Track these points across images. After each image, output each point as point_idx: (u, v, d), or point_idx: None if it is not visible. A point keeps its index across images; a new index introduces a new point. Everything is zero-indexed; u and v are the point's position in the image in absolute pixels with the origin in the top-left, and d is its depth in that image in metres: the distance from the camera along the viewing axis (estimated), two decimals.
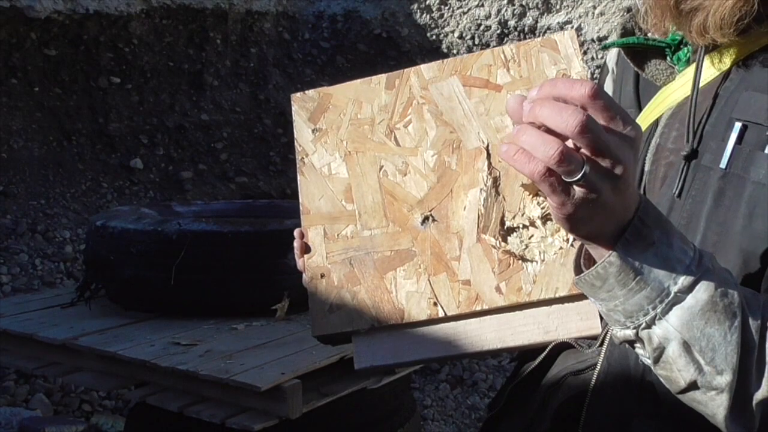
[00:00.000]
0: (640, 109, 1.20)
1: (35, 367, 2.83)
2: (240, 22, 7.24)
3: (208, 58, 7.08)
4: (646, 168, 1.13)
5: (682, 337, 0.85)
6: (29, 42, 6.07)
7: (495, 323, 1.11)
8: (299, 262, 1.23)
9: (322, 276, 1.20)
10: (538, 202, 1.16)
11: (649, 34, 1.16)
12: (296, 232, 1.23)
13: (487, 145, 1.21)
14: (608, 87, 1.28)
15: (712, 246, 0.98)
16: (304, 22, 7.59)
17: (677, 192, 1.06)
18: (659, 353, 0.87)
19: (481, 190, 1.18)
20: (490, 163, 1.19)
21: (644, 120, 1.16)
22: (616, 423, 1.08)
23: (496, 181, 1.18)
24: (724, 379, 0.85)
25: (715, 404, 0.87)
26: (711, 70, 1.07)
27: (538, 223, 1.15)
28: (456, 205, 1.19)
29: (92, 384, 2.98)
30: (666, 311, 0.84)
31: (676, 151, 1.08)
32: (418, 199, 1.20)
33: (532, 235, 1.12)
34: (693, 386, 0.87)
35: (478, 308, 1.12)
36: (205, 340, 2.68)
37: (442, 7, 7.46)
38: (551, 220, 1.15)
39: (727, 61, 1.05)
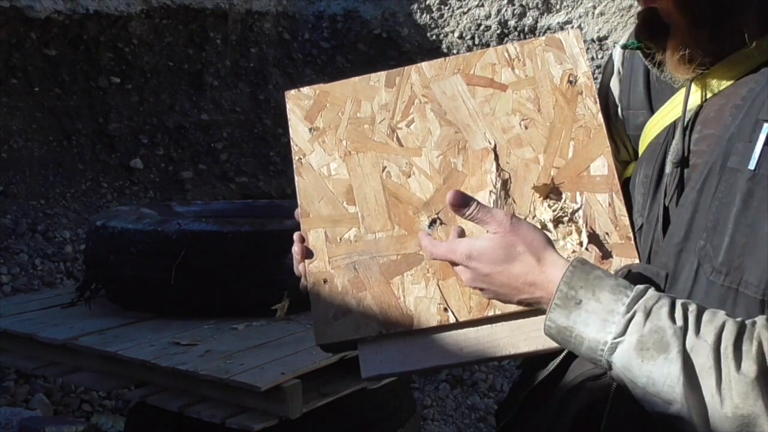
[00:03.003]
0: (651, 110, 1.19)
1: (35, 367, 2.82)
2: (240, 22, 7.23)
3: (208, 58, 7.07)
4: (667, 171, 1.12)
5: (628, 378, 0.93)
6: (29, 42, 6.06)
7: (507, 329, 1.10)
8: (299, 267, 1.20)
9: (325, 281, 1.16)
10: (549, 205, 1.14)
11: None
12: (295, 236, 1.20)
13: (495, 146, 1.19)
14: (614, 87, 1.27)
15: (741, 248, 0.97)
16: (304, 22, 7.58)
17: (670, 200, 1.06)
18: (627, 390, 0.95)
19: (490, 192, 1.16)
20: (498, 165, 1.17)
21: (660, 122, 1.15)
22: (637, 428, 1.07)
23: (505, 184, 1.16)
24: (675, 408, 0.90)
25: (687, 427, 0.91)
26: (722, 80, 1.08)
27: (550, 225, 1.13)
28: None
29: (92, 384, 2.97)
30: (609, 356, 0.94)
31: (698, 154, 1.08)
32: (424, 201, 1.17)
33: None
34: (660, 416, 0.93)
35: (491, 314, 1.10)
36: (205, 340, 2.66)
37: (442, 7, 7.45)
38: (563, 222, 1.14)
39: (733, 73, 1.07)
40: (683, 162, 1.08)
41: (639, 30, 1.12)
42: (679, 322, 0.92)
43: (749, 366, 0.88)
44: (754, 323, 0.92)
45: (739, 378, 0.88)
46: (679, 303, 0.94)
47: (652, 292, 0.96)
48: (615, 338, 0.93)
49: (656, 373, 0.91)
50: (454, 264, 1.06)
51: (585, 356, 0.97)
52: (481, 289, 1.05)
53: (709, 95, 1.09)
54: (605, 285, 0.96)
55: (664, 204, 1.12)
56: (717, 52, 1.05)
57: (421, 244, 1.11)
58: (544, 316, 1.12)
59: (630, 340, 0.92)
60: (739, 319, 0.93)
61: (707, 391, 0.89)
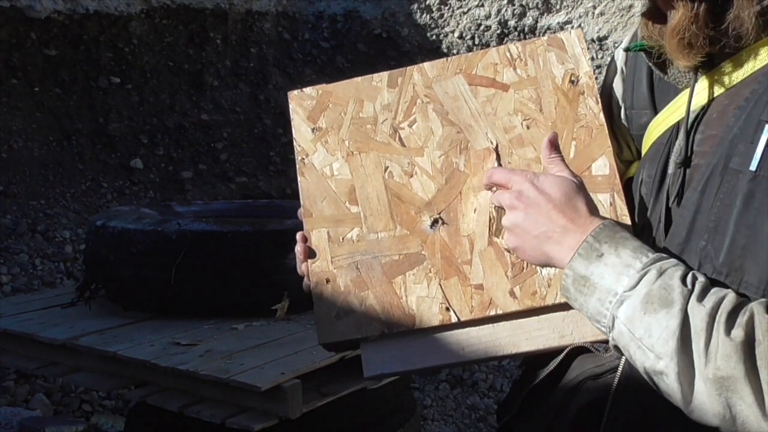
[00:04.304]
0: (655, 110, 1.20)
1: (35, 367, 2.82)
2: (240, 22, 7.23)
3: (208, 58, 7.07)
4: (670, 171, 1.12)
5: (628, 329, 0.96)
6: (29, 42, 6.06)
7: (509, 328, 1.10)
8: (301, 267, 1.20)
9: (328, 281, 1.16)
10: None
11: None
12: (298, 236, 1.20)
13: (496, 146, 1.19)
14: (618, 87, 1.27)
15: (742, 249, 0.98)
16: (304, 22, 7.58)
17: (674, 198, 1.07)
18: (624, 350, 0.98)
19: (492, 192, 1.16)
20: (500, 164, 1.17)
21: (664, 122, 1.16)
22: (638, 427, 1.07)
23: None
24: (664, 363, 0.93)
25: (669, 388, 0.94)
26: (726, 80, 1.08)
27: None
28: (466, 208, 1.16)
29: (92, 384, 2.97)
30: (616, 309, 0.97)
31: (700, 154, 1.08)
32: (426, 201, 1.18)
33: None
34: (648, 372, 0.96)
35: (492, 313, 1.10)
36: (205, 340, 2.66)
37: (442, 7, 7.46)
38: None
39: (738, 74, 1.07)
40: (686, 162, 1.09)
41: (643, 27, 1.12)
42: (689, 285, 0.95)
43: (738, 332, 0.90)
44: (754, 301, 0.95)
45: (725, 340, 0.90)
46: (692, 272, 0.97)
47: (672, 259, 0.99)
48: (626, 291, 0.96)
49: (655, 325, 0.93)
50: (506, 187, 1.08)
51: (591, 312, 0.99)
52: (514, 226, 1.06)
53: (717, 93, 1.09)
54: (629, 244, 1.00)
55: (667, 204, 1.12)
56: (716, 38, 1.04)
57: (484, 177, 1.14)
58: (544, 317, 1.12)
59: (639, 292, 0.95)
60: (742, 298, 0.95)
61: (696, 352, 0.91)
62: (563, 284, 1.02)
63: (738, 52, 1.05)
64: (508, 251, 1.13)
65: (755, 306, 0.92)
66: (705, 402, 0.91)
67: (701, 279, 0.96)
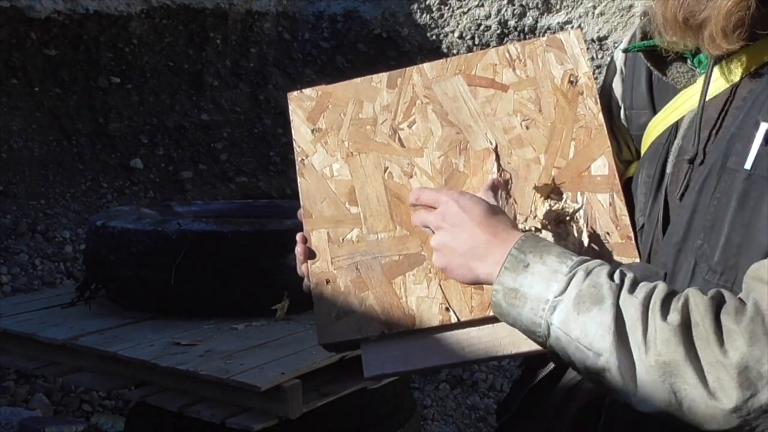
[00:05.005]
0: (654, 110, 1.20)
1: (35, 367, 2.82)
2: (240, 22, 7.23)
3: (208, 58, 7.07)
4: (668, 171, 1.13)
5: (564, 332, 0.96)
6: (29, 42, 6.06)
7: (508, 328, 1.10)
8: (301, 268, 1.21)
9: (328, 282, 1.17)
10: (549, 205, 1.15)
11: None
12: (298, 237, 1.21)
13: (496, 147, 1.19)
14: (617, 87, 1.28)
15: (736, 248, 0.98)
16: (304, 22, 7.58)
17: (679, 195, 1.06)
18: (563, 354, 0.98)
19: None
20: (499, 165, 1.18)
21: (663, 122, 1.16)
22: (635, 427, 1.08)
23: (506, 184, 1.16)
24: (604, 358, 0.93)
25: (612, 383, 0.94)
26: (721, 81, 1.07)
27: (551, 225, 1.14)
28: None
29: (92, 384, 2.97)
30: (549, 316, 0.97)
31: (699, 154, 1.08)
32: None
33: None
34: (589, 372, 0.96)
35: (492, 313, 1.11)
36: (205, 340, 2.67)
37: (442, 7, 7.45)
38: (564, 222, 1.14)
39: (738, 71, 1.06)
40: (695, 158, 1.07)
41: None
42: (617, 281, 0.96)
43: (674, 317, 0.91)
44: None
45: (663, 326, 0.91)
46: (619, 269, 0.99)
47: (597, 260, 1.00)
48: (556, 296, 0.97)
49: (589, 324, 0.94)
50: (432, 208, 1.11)
51: (526, 324, 1.00)
52: (442, 246, 1.08)
53: (718, 91, 1.08)
54: (553, 251, 1.01)
55: (665, 203, 1.12)
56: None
57: (410, 196, 1.16)
58: None
59: (569, 295, 0.96)
60: (672, 287, 0.97)
61: (634, 343, 0.92)
62: (494, 300, 1.03)
63: (729, 57, 1.05)
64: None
65: (690, 290, 0.94)
66: (650, 391, 0.92)
67: (629, 275, 0.98)
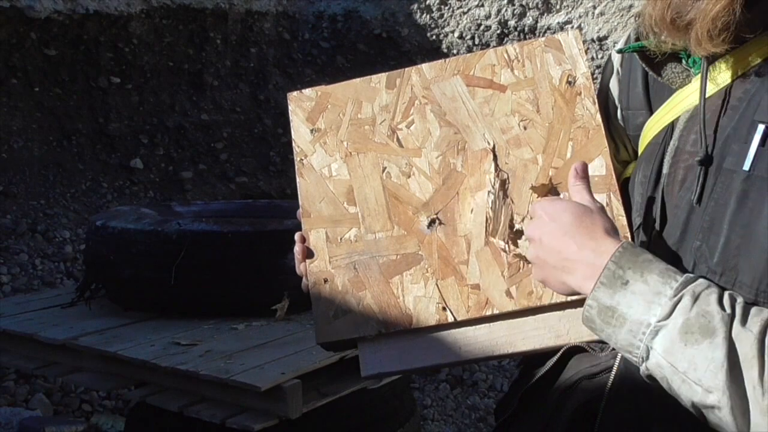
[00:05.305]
0: (650, 111, 1.20)
1: (35, 367, 2.83)
2: (240, 22, 7.23)
3: (208, 58, 7.07)
4: (665, 171, 1.12)
5: (668, 362, 0.91)
6: (29, 42, 6.06)
7: (505, 328, 1.10)
8: (300, 267, 1.21)
9: (326, 281, 1.17)
10: None
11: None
12: (297, 236, 1.21)
13: (493, 147, 1.19)
14: (614, 88, 1.28)
15: (736, 249, 0.98)
16: (304, 22, 7.58)
17: (696, 198, 1.05)
18: (663, 381, 0.93)
19: (488, 192, 1.16)
20: (497, 165, 1.18)
21: (659, 122, 1.16)
22: (632, 427, 1.08)
23: (504, 184, 1.17)
24: (715, 397, 0.88)
25: (722, 422, 0.89)
26: (715, 81, 1.07)
27: None
28: (463, 208, 1.17)
29: (92, 384, 2.98)
30: (650, 341, 0.92)
31: (695, 154, 1.07)
32: (424, 202, 1.18)
33: None
34: (696, 407, 0.91)
35: (489, 313, 1.11)
36: (205, 340, 2.67)
37: (442, 7, 7.45)
38: None
39: (729, 72, 1.05)
40: (707, 160, 1.05)
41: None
42: (728, 309, 0.90)
43: None
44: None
45: None
46: (727, 293, 0.93)
47: (702, 280, 0.94)
48: (659, 320, 0.91)
49: (699, 358, 0.88)
50: (531, 216, 1.07)
51: (621, 344, 0.94)
52: (535, 258, 1.04)
53: (712, 90, 1.07)
54: (654, 268, 0.95)
55: (663, 204, 1.12)
56: (755, 23, 1.01)
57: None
58: (540, 316, 1.12)
59: (675, 323, 0.90)
60: None
61: (749, 381, 0.87)
62: (586, 315, 0.97)
63: (719, 59, 1.05)
64: (505, 251, 1.13)
65: None
66: None
67: (739, 300, 0.92)
